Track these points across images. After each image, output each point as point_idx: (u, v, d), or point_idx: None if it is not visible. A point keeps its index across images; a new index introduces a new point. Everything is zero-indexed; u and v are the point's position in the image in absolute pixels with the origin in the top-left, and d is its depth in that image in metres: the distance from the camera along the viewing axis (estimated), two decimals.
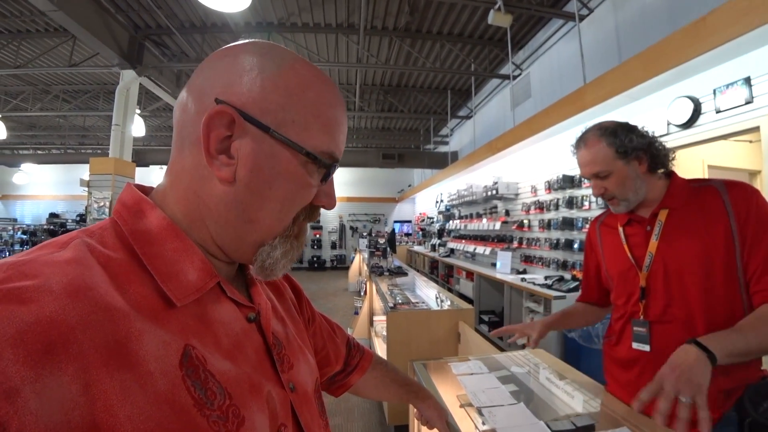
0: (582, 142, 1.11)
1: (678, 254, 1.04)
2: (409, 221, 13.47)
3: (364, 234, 7.82)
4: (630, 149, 1.04)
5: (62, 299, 0.31)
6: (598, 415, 1.12)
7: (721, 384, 0.97)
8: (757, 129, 2.33)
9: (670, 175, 1.12)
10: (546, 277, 4.13)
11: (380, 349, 3.41)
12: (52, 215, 11.98)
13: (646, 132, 1.09)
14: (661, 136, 2.93)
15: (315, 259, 12.70)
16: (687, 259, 1.02)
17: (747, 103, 2.34)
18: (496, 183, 5.64)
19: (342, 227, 13.11)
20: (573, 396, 1.22)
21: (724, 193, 1.01)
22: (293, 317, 0.62)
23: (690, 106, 2.67)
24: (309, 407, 0.52)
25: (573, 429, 1.01)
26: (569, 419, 1.06)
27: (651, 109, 3.03)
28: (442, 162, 9.41)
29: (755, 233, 0.96)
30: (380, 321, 3.77)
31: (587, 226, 3.45)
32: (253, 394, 0.43)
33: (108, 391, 0.31)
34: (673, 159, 1.11)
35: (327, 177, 0.48)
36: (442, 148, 10.49)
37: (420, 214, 12.50)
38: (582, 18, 4.15)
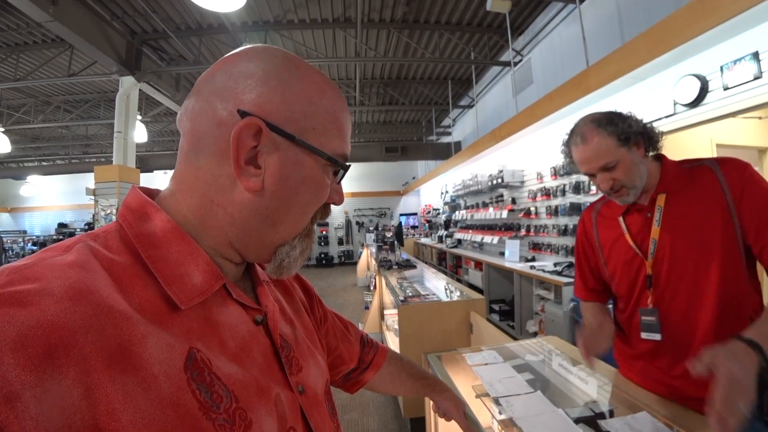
0: (578, 137, 1.05)
1: (681, 238, 1.02)
2: (415, 214, 13.45)
3: (371, 228, 7.82)
4: (630, 134, 1.01)
5: (63, 303, 0.31)
6: (615, 400, 1.12)
7: None
8: (766, 105, 2.28)
9: (659, 158, 1.10)
10: (555, 264, 4.11)
11: (392, 343, 3.42)
12: (61, 225, 12.11)
13: (634, 116, 1.06)
14: (667, 116, 2.89)
15: (323, 255, 12.75)
16: (691, 242, 1.01)
17: (756, 78, 2.29)
18: (501, 171, 5.61)
19: (348, 223, 13.13)
20: (587, 382, 1.22)
21: (717, 171, 1.00)
22: (302, 318, 0.61)
23: (697, 85, 2.62)
24: (319, 409, 0.52)
25: (592, 415, 1.00)
26: (587, 406, 1.06)
27: (656, 89, 2.97)
28: (445, 153, 9.36)
29: (755, 201, 0.95)
30: (391, 315, 3.78)
31: None
32: (260, 397, 0.42)
33: (110, 395, 0.31)
34: (663, 140, 1.09)
35: (340, 176, 0.51)
36: (445, 139, 10.44)
37: (426, 206, 12.47)
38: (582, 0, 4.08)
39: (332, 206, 0.53)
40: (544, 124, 4.29)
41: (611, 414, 1.01)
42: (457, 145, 9.16)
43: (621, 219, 1.14)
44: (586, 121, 1.06)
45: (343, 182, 0.53)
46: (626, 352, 1.19)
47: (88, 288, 0.33)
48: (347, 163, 0.50)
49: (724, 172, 0.99)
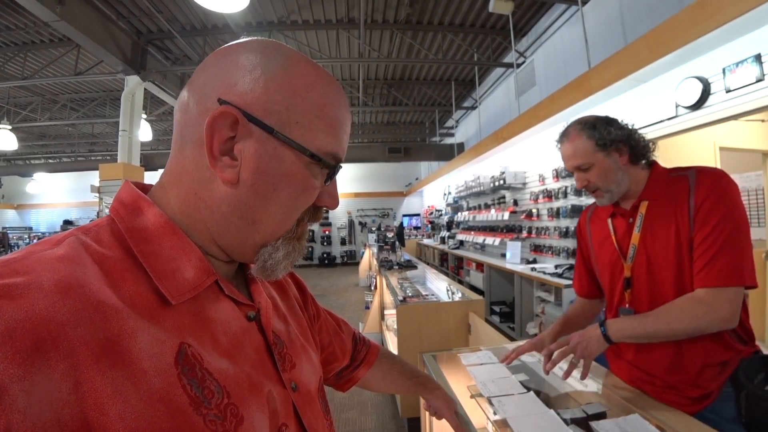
0: (563, 136, 1.14)
1: (657, 245, 1.06)
2: (418, 214, 13.43)
3: (373, 229, 7.83)
4: (609, 141, 1.06)
5: (52, 296, 0.31)
6: (608, 402, 1.12)
7: (716, 356, 1.01)
8: None
9: (651, 165, 1.13)
10: (556, 266, 4.10)
11: (392, 343, 3.42)
12: (66, 222, 12.21)
13: (626, 124, 1.11)
14: (669, 118, 2.88)
15: (325, 255, 12.76)
16: (664, 250, 1.04)
17: (758, 81, 2.28)
18: (503, 173, 5.60)
19: (351, 223, 13.13)
20: (581, 383, 1.22)
21: (692, 181, 1.02)
22: (296, 315, 0.61)
23: (699, 87, 2.60)
24: (312, 407, 0.52)
25: (584, 417, 1.00)
26: (580, 407, 1.06)
27: (658, 91, 2.96)
28: (448, 154, 9.35)
29: (705, 215, 0.97)
30: (391, 315, 3.78)
31: None
32: (252, 393, 0.42)
33: (99, 389, 0.31)
34: (654, 149, 1.13)
35: (330, 178, 0.48)
36: (448, 140, 10.42)
37: (428, 207, 12.45)
38: (585, 1, 4.07)
39: (330, 210, 0.51)
40: (547, 125, 4.28)
41: (604, 416, 1.01)
42: (460, 147, 9.15)
43: (609, 221, 1.19)
44: (576, 121, 1.12)
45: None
46: (613, 351, 1.24)
47: (77, 282, 0.33)
48: (338, 164, 0.47)
49: (697, 182, 1.01)
